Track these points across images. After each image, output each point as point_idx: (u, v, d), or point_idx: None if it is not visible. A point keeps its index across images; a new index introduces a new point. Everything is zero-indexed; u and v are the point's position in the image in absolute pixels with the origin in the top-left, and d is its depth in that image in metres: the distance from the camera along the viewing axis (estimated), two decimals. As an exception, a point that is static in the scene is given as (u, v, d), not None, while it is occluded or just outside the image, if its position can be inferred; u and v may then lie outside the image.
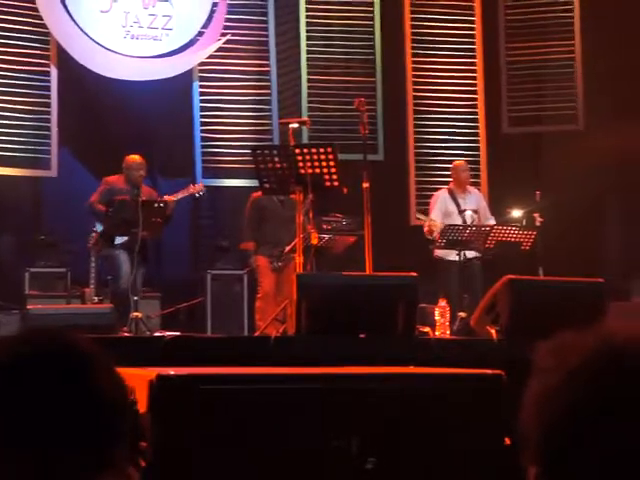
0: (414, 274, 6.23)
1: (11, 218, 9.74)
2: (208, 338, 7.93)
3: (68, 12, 9.90)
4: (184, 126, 10.31)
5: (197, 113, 10.37)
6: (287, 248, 8.27)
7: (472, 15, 10.88)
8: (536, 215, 8.87)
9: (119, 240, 8.42)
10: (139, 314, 8.06)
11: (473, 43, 10.87)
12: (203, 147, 10.36)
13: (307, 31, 10.65)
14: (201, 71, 10.43)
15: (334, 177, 7.20)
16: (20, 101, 9.77)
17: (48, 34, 9.91)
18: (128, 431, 1.45)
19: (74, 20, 9.90)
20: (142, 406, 3.39)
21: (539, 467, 1.27)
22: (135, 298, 8.21)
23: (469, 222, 8.95)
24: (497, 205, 9.58)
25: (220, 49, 10.38)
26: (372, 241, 7.14)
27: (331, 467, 3.69)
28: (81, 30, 9.92)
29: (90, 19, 9.98)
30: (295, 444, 3.68)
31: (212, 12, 10.36)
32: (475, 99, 10.82)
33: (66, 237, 9.38)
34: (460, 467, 3.85)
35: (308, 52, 10.63)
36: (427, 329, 7.08)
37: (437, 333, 7.20)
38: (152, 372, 3.63)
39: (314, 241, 7.75)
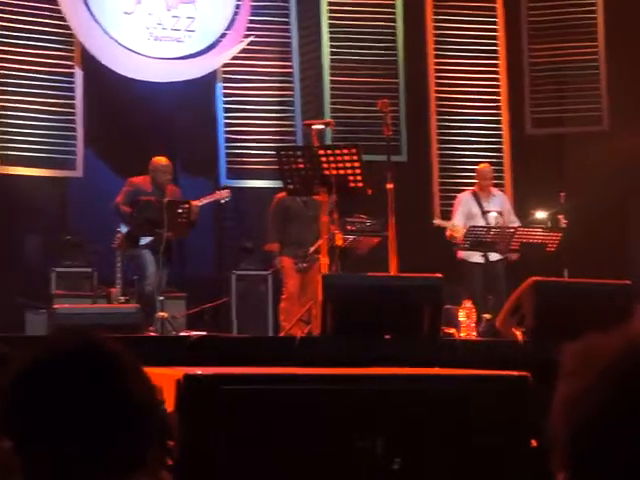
0: (439, 275, 6.23)
1: (37, 218, 9.80)
2: (234, 338, 7.96)
3: (92, 14, 9.95)
4: (208, 127, 10.35)
5: (221, 114, 10.40)
6: (311, 249, 8.29)
7: (495, 16, 10.85)
8: (561, 217, 8.84)
9: (144, 241, 8.46)
10: (165, 314, 8.10)
11: (496, 44, 10.84)
12: (227, 148, 10.39)
13: (330, 32, 10.65)
14: (225, 72, 10.45)
15: (358, 178, 7.21)
16: (45, 102, 9.83)
17: (72, 36, 9.96)
18: (157, 431, 1.47)
19: (98, 22, 9.95)
20: (169, 405, 3.42)
21: (567, 470, 1.28)
22: (160, 298, 8.25)
23: (493, 224, 8.94)
24: (521, 207, 9.56)
25: (243, 50, 10.40)
26: (396, 242, 7.13)
27: (356, 468, 3.70)
28: (105, 32, 9.96)
29: (114, 21, 10.03)
30: (319, 445, 3.69)
31: (235, 14, 10.39)
32: (498, 100, 10.79)
33: (92, 237, 9.44)
34: (486, 468, 3.85)
35: (331, 53, 10.64)
36: (452, 330, 7.07)
37: (462, 334, 7.19)
38: (178, 372, 3.65)
39: (339, 242, 7.75)
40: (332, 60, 10.64)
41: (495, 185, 9.79)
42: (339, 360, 5.00)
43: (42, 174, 9.80)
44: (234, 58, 10.40)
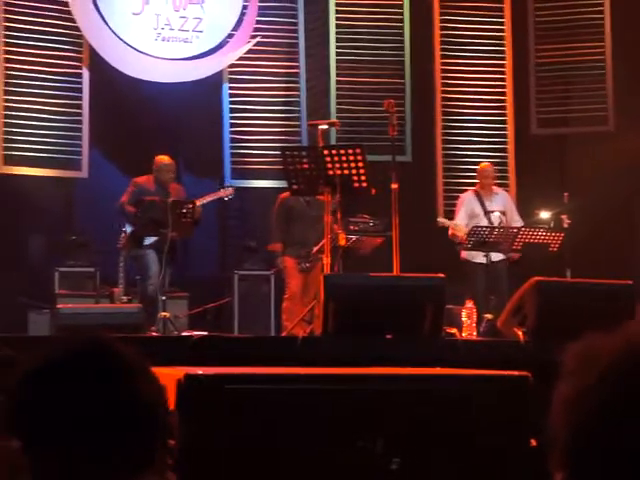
0: (442, 275, 6.23)
1: (42, 218, 9.83)
2: (235, 338, 7.96)
3: (100, 15, 9.98)
4: (213, 127, 10.37)
5: (226, 114, 10.42)
6: (315, 249, 8.30)
7: (501, 16, 10.85)
8: (564, 217, 8.85)
9: (148, 241, 8.47)
10: (167, 314, 8.11)
11: (502, 44, 10.84)
12: (232, 148, 10.41)
13: (337, 33, 10.66)
14: (231, 73, 10.47)
15: (363, 178, 7.21)
16: (52, 103, 9.86)
17: (81, 37, 9.99)
18: (164, 431, 1.47)
19: (106, 23, 9.99)
20: (170, 405, 3.42)
21: (566, 469, 1.29)
22: (163, 298, 8.26)
23: (496, 223, 8.94)
24: (525, 206, 9.56)
25: (250, 51, 10.42)
26: (399, 242, 7.14)
27: (356, 467, 3.70)
28: (113, 32, 10.00)
29: (122, 21, 10.05)
30: (320, 444, 3.69)
31: (242, 14, 10.41)
32: (504, 100, 10.79)
33: (96, 237, 9.46)
34: (486, 468, 3.85)
35: (337, 54, 10.65)
36: (454, 330, 7.08)
37: (464, 334, 7.20)
38: (180, 371, 3.65)
39: (342, 242, 7.76)
40: (338, 60, 10.65)
41: (499, 185, 9.79)
42: (341, 360, 5.00)
43: (47, 174, 9.83)
44: (240, 58, 10.42)
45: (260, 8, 10.46)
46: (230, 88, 10.47)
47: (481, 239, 8.30)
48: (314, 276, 8.25)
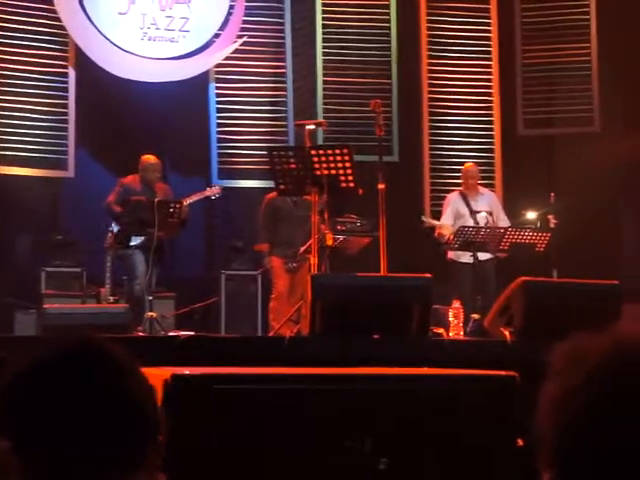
0: (428, 275, 6.23)
1: (28, 218, 9.80)
2: (222, 338, 7.95)
3: (86, 14, 9.96)
4: (200, 127, 10.35)
5: (213, 114, 10.41)
6: (302, 249, 8.30)
7: (488, 17, 10.88)
8: (550, 217, 8.88)
9: (135, 241, 8.46)
10: (154, 314, 8.10)
11: (489, 45, 10.86)
12: (219, 148, 10.40)
13: (323, 33, 10.67)
14: (217, 73, 10.46)
15: (350, 178, 7.21)
16: (38, 102, 9.83)
17: (66, 36, 9.97)
18: (155, 431, 1.47)
19: (92, 22, 9.96)
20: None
21: (553, 469, 1.29)
22: (149, 298, 8.25)
23: (482, 223, 8.97)
24: (512, 207, 9.59)
25: (236, 51, 10.41)
26: (386, 242, 7.15)
27: (344, 467, 3.70)
28: (99, 32, 9.97)
29: (108, 21, 10.03)
30: (308, 444, 3.69)
31: (229, 14, 10.40)
32: (490, 101, 10.82)
33: (83, 237, 9.44)
34: (473, 468, 3.86)
35: (324, 54, 10.65)
36: (441, 330, 7.08)
37: (451, 334, 7.21)
38: (167, 372, 3.64)
39: (329, 242, 7.76)
40: (325, 61, 10.65)
41: (486, 185, 9.82)
42: (328, 360, 5.00)
43: (34, 174, 9.80)
44: (227, 58, 10.41)
45: (247, 8, 10.45)
46: (217, 88, 10.46)
47: (468, 239, 8.32)
48: (301, 276, 8.25)
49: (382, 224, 7.21)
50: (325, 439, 3.70)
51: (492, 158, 10.70)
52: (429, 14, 10.85)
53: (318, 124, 8.99)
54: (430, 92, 10.80)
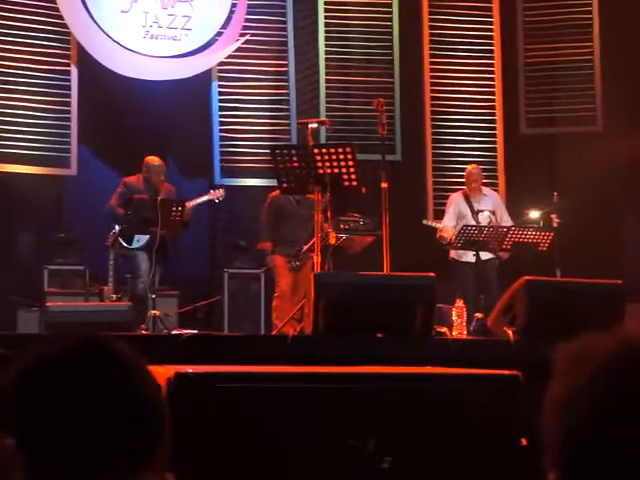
0: (432, 274, 6.23)
1: (31, 216, 9.81)
2: (226, 336, 7.96)
3: (89, 12, 9.96)
4: (203, 126, 10.35)
5: (216, 113, 10.42)
6: (305, 248, 8.30)
7: (490, 16, 10.88)
8: (553, 216, 8.88)
9: (138, 243, 8.46)
10: (157, 312, 8.10)
11: (491, 44, 10.86)
12: (221, 147, 10.40)
13: (326, 32, 10.67)
14: (220, 71, 10.47)
15: (353, 177, 7.21)
16: (41, 100, 9.84)
17: (69, 34, 9.98)
18: (163, 430, 1.45)
19: (94, 20, 9.97)
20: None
21: (559, 469, 1.29)
22: (152, 296, 8.25)
23: (485, 223, 8.97)
24: (514, 206, 9.59)
25: (239, 49, 10.41)
26: (389, 241, 7.14)
27: (347, 466, 3.71)
28: (101, 30, 9.98)
29: (110, 19, 10.04)
30: (311, 443, 3.70)
31: (231, 12, 10.40)
32: (493, 100, 10.82)
33: (85, 235, 9.45)
34: (476, 467, 3.86)
35: (326, 52, 10.65)
36: (444, 329, 7.08)
37: (454, 333, 7.21)
38: (170, 370, 3.65)
39: (332, 241, 7.76)
40: (327, 59, 10.65)
41: (488, 185, 9.82)
42: (331, 358, 5.00)
43: (36, 172, 9.81)
44: (230, 57, 10.41)
45: (249, 6, 10.45)
46: (219, 86, 10.46)
47: (471, 239, 8.32)
48: (304, 275, 8.26)
49: (385, 223, 7.21)
50: (328, 438, 3.70)
51: (494, 157, 10.70)
52: (431, 13, 10.85)
53: (321, 123, 8.99)
54: (432, 91, 10.80)
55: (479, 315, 7.71)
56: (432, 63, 10.81)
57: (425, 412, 3.84)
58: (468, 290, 8.48)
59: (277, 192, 8.28)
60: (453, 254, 9.02)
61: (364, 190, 7.30)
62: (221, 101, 10.45)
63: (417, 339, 5.98)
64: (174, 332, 7.45)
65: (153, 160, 8.79)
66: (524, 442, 3.81)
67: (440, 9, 10.85)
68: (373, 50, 10.73)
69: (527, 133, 10.88)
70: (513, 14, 10.89)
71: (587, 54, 10.74)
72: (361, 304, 5.99)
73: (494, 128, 10.78)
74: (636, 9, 10.40)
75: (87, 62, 9.97)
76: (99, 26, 9.98)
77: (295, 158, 7.32)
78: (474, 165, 9.60)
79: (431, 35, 10.84)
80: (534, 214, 9.00)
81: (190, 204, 8.54)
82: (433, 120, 10.76)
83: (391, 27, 10.75)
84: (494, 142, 10.76)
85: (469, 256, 8.65)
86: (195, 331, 7.09)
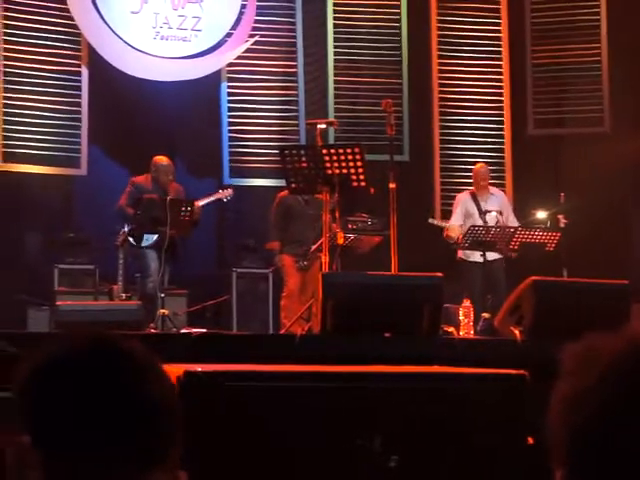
0: (439, 274, 6.25)
1: (41, 216, 9.85)
2: (234, 335, 7.99)
3: (99, 13, 10.00)
4: (212, 126, 10.39)
5: (225, 113, 10.45)
6: (313, 247, 8.33)
7: (498, 17, 10.89)
8: (560, 217, 8.89)
9: (147, 242, 8.49)
10: (166, 311, 8.13)
11: (499, 45, 10.87)
12: (230, 147, 10.44)
13: (334, 33, 10.70)
14: (229, 72, 10.50)
15: (361, 177, 7.22)
16: (51, 100, 9.88)
17: (79, 35, 10.02)
18: (176, 429, 1.45)
19: (105, 21, 10.01)
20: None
21: (566, 468, 1.30)
22: (162, 295, 8.29)
23: (492, 223, 8.98)
24: (522, 206, 9.60)
25: (248, 50, 10.44)
26: (397, 241, 7.17)
27: (354, 465, 3.73)
28: (112, 31, 10.02)
29: (121, 20, 10.08)
30: (318, 442, 3.72)
31: (241, 13, 10.43)
32: (501, 101, 10.82)
33: (95, 234, 9.48)
34: (483, 466, 3.88)
35: (335, 53, 10.68)
36: (451, 329, 7.10)
37: (461, 333, 7.22)
38: (179, 369, 3.67)
39: (340, 241, 7.78)
40: (336, 60, 10.68)
41: (496, 185, 9.83)
42: (339, 358, 5.01)
43: (47, 172, 9.85)
44: (239, 58, 10.44)
45: (258, 7, 10.48)
46: (229, 87, 10.50)
47: (478, 239, 8.34)
48: (312, 274, 8.28)
49: (393, 223, 7.22)
50: (336, 437, 3.72)
51: (502, 158, 10.71)
52: (439, 14, 10.86)
53: (329, 123, 9.01)
54: (441, 92, 10.82)
55: (486, 315, 7.73)
56: (440, 64, 10.83)
57: (432, 411, 3.86)
58: (475, 290, 8.50)
59: (286, 192, 8.30)
60: (461, 254, 9.04)
61: (372, 190, 7.32)
62: (230, 102, 10.48)
63: (424, 339, 5.99)
64: (183, 331, 7.48)
65: (161, 160, 8.82)
66: (531, 441, 3.83)
67: (448, 10, 10.86)
68: (381, 51, 10.75)
69: (535, 134, 10.89)
70: (521, 15, 10.89)
71: (595, 55, 10.74)
72: (369, 304, 6.00)
73: (502, 129, 10.79)
74: (644, 10, 10.40)
75: (97, 63, 10.01)
76: (109, 27, 10.02)
77: (304, 158, 7.34)
78: (482, 164, 9.61)
79: (439, 36, 10.85)
80: (541, 214, 9.01)
81: (199, 203, 8.56)
82: (441, 121, 10.77)
83: (399, 28, 10.76)
84: (502, 143, 10.77)
85: (477, 256, 8.67)
86: (204, 330, 7.11)
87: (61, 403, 1.40)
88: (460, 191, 9.72)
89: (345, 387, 3.86)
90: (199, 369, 3.70)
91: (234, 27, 10.41)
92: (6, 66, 9.79)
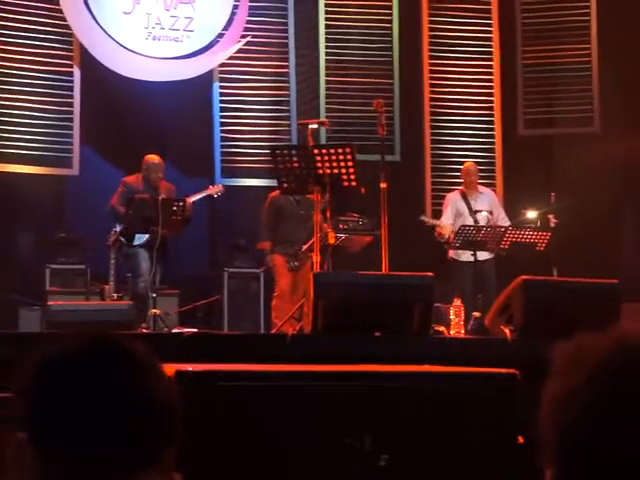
0: (430, 274, 6.27)
1: (33, 215, 9.85)
2: (226, 335, 8.00)
3: (91, 13, 10.00)
4: (204, 126, 10.39)
5: (217, 113, 10.45)
6: (304, 247, 8.34)
7: (489, 18, 10.92)
8: (551, 216, 8.92)
9: (138, 241, 8.49)
10: (157, 311, 8.13)
11: (490, 46, 10.90)
12: (222, 147, 10.44)
13: (326, 33, 10.71)
14: (221, 72, 10.50)
15: (352, 177, 7.24)
16: (43, 101, 9.88)
17: (71, 35, 10.01)
18: (174, 429, 1.45)
19: (97, 21, 10.00)
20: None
21: (556, 468, 1.30)
22: (153, 295, 8.29)
23: (483, 223, 9.01)
24: (512, 206, 9.63)
25: (240, 51, 10.45)
26: (388, 241, 7.19)
27: (344, 464, 3.74)
28: (104, 31, 10.01)
29: (113, 20, 10.07)
30: (309, 441, 3.73)
31: (233, 14, 10.44)
32: (491, 101, 10.85)
33: (87, 234, 9.48)
34: (473, 465, 3.89)
35: (327, 54, 10.69)
36: (442, 328, 7.12)
37: (452, 332, 7.25)
38: (170, 368, 3.68)
39: (331, 240, 7.80)
40: (328, 60, 10.69)
41: (486, 185, 9.86)
42: (330, 357, 5.02)
43: (38, 172, 9.84)
44: (231, 58, 10.45)
45: (250, 8, 10.49)
46: (220, 87, 10.50)
47: (469, 238, 8.36)
48: (303, 274, 8.29)
49: (384, 223, 7.24)
50: (326, 436, 3.73)
51: (493, 158, 10.74)
52: (430, 15, 10.89)
53: (321, 123, 9.03)
54: (432, 92, 10.84)
55: (477, 314, 7.75)
56: (431, 64, 10.85)
57: (423, 410, 3.87)
58: (466, 289, 8.52)
59: (277, 192, 8.31)
60: (452, 254, 9.06)
61: (363, 190, 7.34)
62: (222, 102, 10.49)
63: (415, 338, 6.01)
64: (174, 331, 7.48)
65: (153, 158, 8.83)
66: (521, 440, 3.85)
67: (439, 11, 10.89)
68: (373, 51, 10.77)
69: (525, 134, 10.92)
70: (511, 16, 10.92)
71: (585, 56, 10.77)
72: (360, 303, 6.02)
73: (492, 129, 10.82)
74: (634, 11, 10.43)
75: (89, 63, 10.00)
76: (101, 27, 10.02)
77: (295, 158, 7.35)
78: (470, 162, 9.66)
79: (430, 37, 10.88)
80: (531, 214, 9.04)
81: (190, 200, 8.58)
82: (432, 121, 10.80)
83: (391, 29, 10.78)
84: (492, 143, 10.80)
85: (467, 256, 8.69)
86: (195, 330, 7.12)
87: (59, 403, 1.40)
88: (451, 190, 9.75)
89: (336, 386, 3.88)
90: (190, 369, 3.70)
91: (226, 28, 10.41)
92: (-2, 66, 9.78)
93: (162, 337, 6.94)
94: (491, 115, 10.83)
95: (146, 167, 8.80)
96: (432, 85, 10.84)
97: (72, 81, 10.01)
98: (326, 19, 10.71)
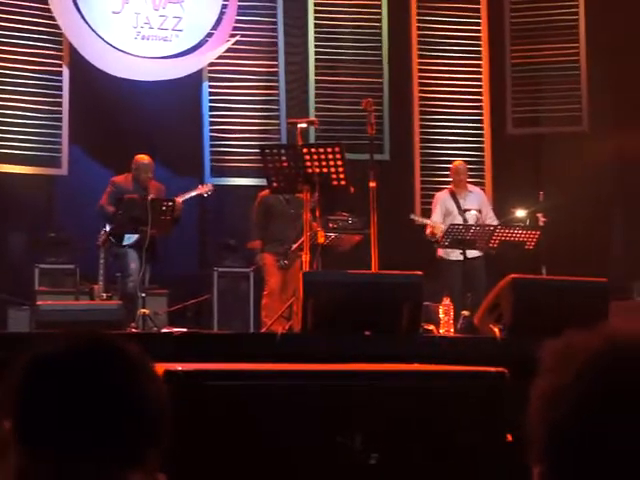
0: (419, 273, 6.28)
1: (22, 215, 9.83)
2: (215, 334, 8.00)
3: (80, 13, 9.98)
4: (193, 125, 10.39)
5: (206, 113, 10.45)
6: (294, 246, 8.35)
7: (478, 17, 10.94)
8: (540, 215, 8.94)
9: (128, 241, 8.49)
10: (147, 311, 8.13)
11: (479, 45, 10.92)
12: (212, 146, 10.44)
13: (315, 32, 10.72)
14: (210, 71, 10.50)
15: (341, 176, 7.25)
16: (32, 100, 9.86)
17: (61, 35, 10.00)
18: (163, 429, 1.46)
19: (86, 21, 9.99)
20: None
21: (544, 465, 1.30)
22: (142, 295, 8.29)
23: (472, 222, 9.02)
24: (501, 205, 9.65)
25: (229, 50, 10.45)
26: (377, 240, 7.20)
27: (335, 463, 3.74)
28: (93, 31, 10.00)
29: (102, 20, 10.06)
30: (299, 440, 3.73)
31: (222, 13, 10.43)
32: (480, 100, 10.88)
33: (76, 234, 9.47)
34: (462, 463, 3.90)
35: (316, 53, 10.70)
36: (431, 327, 7.13)
37: (441, 331, 7.26)
38: (160, 368, 3.67)
39: (321, 240, 7.81)
40: (317, 60, 10.70)
41: (475, 184, 9.88)
42: (319, 356, 5.04)
43: (27, 172, 9.82)
44: (220, 57, 10.45)
45: (239, 7, 10.49)
46: (210, 87, 10.50)
47: (458, 237, 8.37)
48: (293, 273, 8.30)
49: (373, 222, 7.25)
50: (316, 435, 3.74)
51: (482, 157, 10.77)
52: (420, 14, 10.90)
53: (310, 122, 9.04)
54: (421, 91, 10.86)
55: (466, 313, 7.76)
56: (420, 63, 10.87)
57: (412, 409, 3.88)
58: (455, 288, 8.53)
59: (267, 191, 8.32)
60: (441, 252, 9.08)
61: (352, 189, 7.34)
62: (211, 101, 10.49)
63: (404, 337, 6.01)
64: (164, 330, 7.48)
65: (142, 158, 8.83)
66: (510, 438, 3.86)
67: (428, 10, 10.90)
68: (362, 51, 10.78)
69: (514, 133, 10.95)
70: (500, 15, 10.95)
71: (573, 55, 10.80)
72: (349, 302, 6.02)
73: (481, 128, 10.84)
74: (622, 9, 10.47)
75: (79, 63, 9.99)
76: (90, 27, 10.01)
77: (284, 158, 7.35)
78: (460, 161, 9.68)
79: (419, 36, 10.89)
80: (520, 213, 9.06)
81: (180, 199, 8.58)
82: (421, 120, 10.82)
83: (380, 28, 10.80)
84: (481, 142, 10.82)
85: (457, 254, 8.70)
86: (185, 329, 7.12)
87: (49, 402, 1.40)
88: (440, 189, 9.76)
89: (326, 385, 3.88)
90: (179, 368, 3.70)
91: (215, 27, 10.41)
92: (-13, 66, 9.76)
93: (151, 337, 6.92)
94: (480, 114, 10.86)
95: (136, 167, 8.79)
96: (421, 84, 10.86)
97: (61, 81, 10.00)
98: (315, 18, 10.72)
